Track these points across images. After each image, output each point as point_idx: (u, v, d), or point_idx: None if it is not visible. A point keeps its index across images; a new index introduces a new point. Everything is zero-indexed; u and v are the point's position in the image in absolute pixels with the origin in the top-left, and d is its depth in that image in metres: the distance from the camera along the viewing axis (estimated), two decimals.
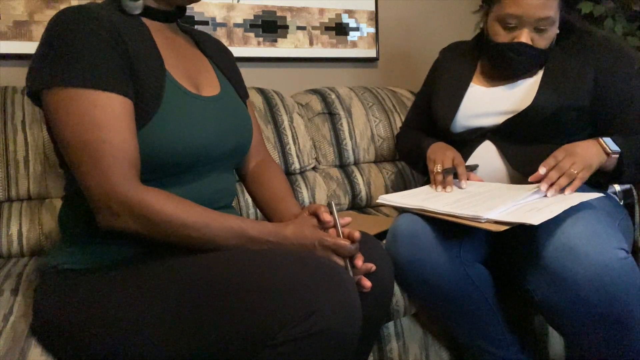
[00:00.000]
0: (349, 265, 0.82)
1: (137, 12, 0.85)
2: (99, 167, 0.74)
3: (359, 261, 0.83)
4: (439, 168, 1.16)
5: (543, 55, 1.17)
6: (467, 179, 1.14)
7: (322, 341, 0.67)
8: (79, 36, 0.75)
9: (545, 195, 1.01)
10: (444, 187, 1.13)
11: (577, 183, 1.01)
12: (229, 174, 0.98)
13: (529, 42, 1.13)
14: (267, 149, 1.14)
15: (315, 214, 0.88)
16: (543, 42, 1.14)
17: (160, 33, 0.89)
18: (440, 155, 1.19)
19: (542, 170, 1.03)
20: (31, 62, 0.78)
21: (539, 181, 1.03)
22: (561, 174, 1.01)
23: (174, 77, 0.85)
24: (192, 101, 0.86)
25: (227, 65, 1.03)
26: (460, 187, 1.12)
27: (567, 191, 1.01)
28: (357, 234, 0.84)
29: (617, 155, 1.05)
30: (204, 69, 0.96)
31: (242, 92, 1.04)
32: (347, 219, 0.88)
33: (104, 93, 0.75)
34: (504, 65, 1.20)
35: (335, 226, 0.86)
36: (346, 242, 0.81)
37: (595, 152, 1.05)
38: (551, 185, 1.01)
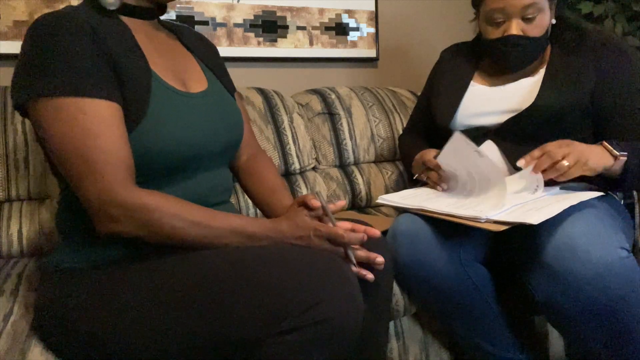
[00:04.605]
0: (350, 254, 0.81)
1: (114, 7, 0.83)
2: (94, 175, 0.73)
3: (361, 252, 0.83)
4: (423, 177, 1.22)
5: (538, 43, 1.16)
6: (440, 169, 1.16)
7: (325, 330, 0.68)
8: (60, 44, 0.74)
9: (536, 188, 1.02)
10: (438, 186, 1.16)
11: (561, 178, 0.99)
12: (223, 170, 0.97)
13: (520, 33, 1.13)
14: (257, 142, 1.13)
15: (303, 204, 0.87)
16: (534, 30, 1.14)
17: (141, 31, 0.87)
18: (417, 166, 1.24)
19: (535, 154, 1.01)
20: (14, 74, 0.76)
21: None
22: (552, 161, 0.98)
23: (159, 76, 0.84)
24: (180, 99, 0.85)
25: (211, 59, 1.02)
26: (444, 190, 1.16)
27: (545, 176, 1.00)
28: (347, 225, 0.84)
29: (625, 158, 1.02)
30: (189, 64, 0.95)
31: (229, 85, 1.03)
32: (341, 202, 0.88)
33: (91, 100, 0.74)
34: (501, 60, 1.20)
35: (326, 215, 0.85)
36: (340, 230, 0.80)
37: (598, 153, 1.02)
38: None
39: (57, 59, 0.73)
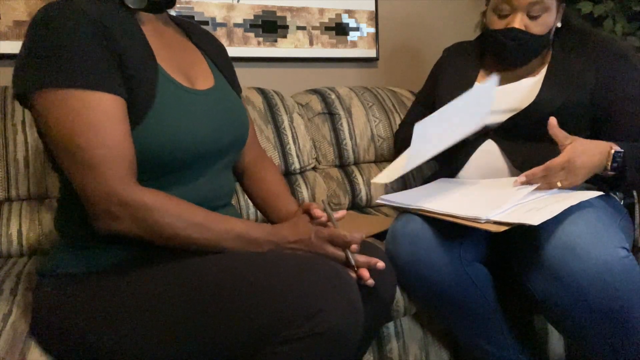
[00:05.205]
0: (349, 256, 0.81)
1: (142, 5, 0.81)
2: (95, 171, 0.72)
3: (361, 257, 0.82)
4: None
5: (538, 42, 1.17)
6: None
7: (325, 341, 0.67)
8: (66, 34, 0.71)
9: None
10: None
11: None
12: (226, 171, 0.96)
13: (522, 28, 1.14)
14: (260, 144, 1.12)
15: (307, 212, 0.88)
16: (537, 28, 1.15)
17: (149, 25, 0.85)
18: None
19: (538, 173, 1.02)
20: (16, 62, 0.74)
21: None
22: (548, 186, 1.01)
23: (166, 71, 0.82)
24: (186, 96, 0.83)
25: (219, 57, 1.00)
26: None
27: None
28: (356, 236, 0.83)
29: (613, 173, 1.04)
30: (197, 60, 0.93)
31: (235, 84, 1.01)
32: (342, 212, 0.88)
33: (95, 93, 0.72)
34: (499, 52, 1.21)
35: (330, 220, 0.86)
36: (341, 230, 0.80)
37: (596, 162, 1.02)
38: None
39: (62, 50, 0.71)
